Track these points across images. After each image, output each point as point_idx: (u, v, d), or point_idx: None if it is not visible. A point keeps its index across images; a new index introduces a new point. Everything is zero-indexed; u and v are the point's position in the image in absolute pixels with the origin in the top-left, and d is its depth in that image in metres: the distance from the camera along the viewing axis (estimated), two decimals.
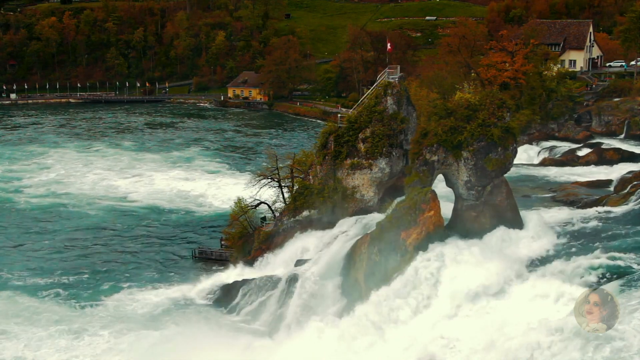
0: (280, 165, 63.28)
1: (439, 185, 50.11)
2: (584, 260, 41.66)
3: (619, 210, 51.13)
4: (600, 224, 48.57)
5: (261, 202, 63.36)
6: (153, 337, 50.56)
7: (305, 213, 55.44)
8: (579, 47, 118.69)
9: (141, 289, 61.08)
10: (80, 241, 76.01)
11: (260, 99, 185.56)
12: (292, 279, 51.54)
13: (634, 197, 52.56)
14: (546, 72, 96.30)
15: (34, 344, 50.47)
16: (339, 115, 62.18)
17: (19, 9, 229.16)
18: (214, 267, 63.82)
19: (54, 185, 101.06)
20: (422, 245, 45.35)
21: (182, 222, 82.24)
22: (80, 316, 55.32)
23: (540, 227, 49.35)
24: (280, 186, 62.86)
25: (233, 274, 59.06)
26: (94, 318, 54.80)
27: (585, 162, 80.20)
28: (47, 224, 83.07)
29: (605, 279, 38.89)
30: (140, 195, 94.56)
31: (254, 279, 55.40)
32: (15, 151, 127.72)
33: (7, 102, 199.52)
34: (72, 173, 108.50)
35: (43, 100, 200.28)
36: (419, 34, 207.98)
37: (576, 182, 67.90)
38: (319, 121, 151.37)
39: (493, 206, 48.38)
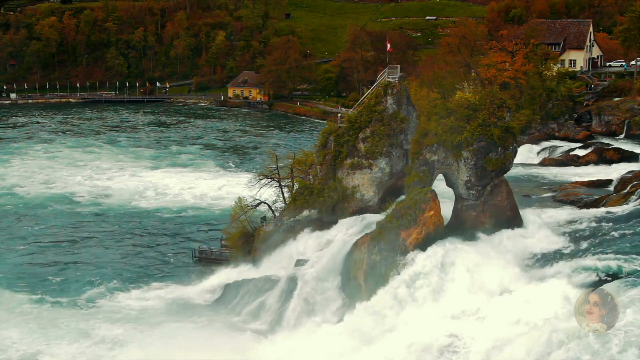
0: (280, 165, 63.27)
1: (440, 185, 50.11)
2: (584, 260, 41.65)
3: (619, 210, 51.09)
4: (600, 224, 48.53)
5: (261, 202, 63.33)
6: (153, 337, 50.57)
7: (305, 213, 55.39)
8: (579, 47, 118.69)
9: (141, 289, 61.11)
10: (81, 240, 76.06)
11: (260, 98, 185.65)
12: (292, 279, 51.52)
13: (634, 197, 52.53)
14: (546, 72, 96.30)
15: (31, 345, 50.45)
16: (339, 115, 62.12)
17: (19, 9, 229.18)
18: (214, 267, 63.81)
19: (53, 182, 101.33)
20: (422, 245, 45.37)
21: (182, 222, 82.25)
22: (78, 317, 55.28)
23: (540, 227, 49.36)
24: (280, 186, 62.83)
25: (233, 274, 59.03)
26: (93, 318, 54.76)
27: (585, 162, 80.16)
28: (44, 221, 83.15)
29: (605, 279, 38.86)
30: (140, 194, 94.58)
31: (254, 279, 55.38)
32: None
33: (7, 102, 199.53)
34: (70, 171, 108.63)
35: (43, 100, 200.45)
36: (419, 34, 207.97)
37: (576, 182, 67.86)
38: (319, 121, 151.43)
39: (493, 206, 48.37)
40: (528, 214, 51.00)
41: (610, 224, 47.96)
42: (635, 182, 58.02)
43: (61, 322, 54.15)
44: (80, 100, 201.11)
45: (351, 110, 58.49)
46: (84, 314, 56.28)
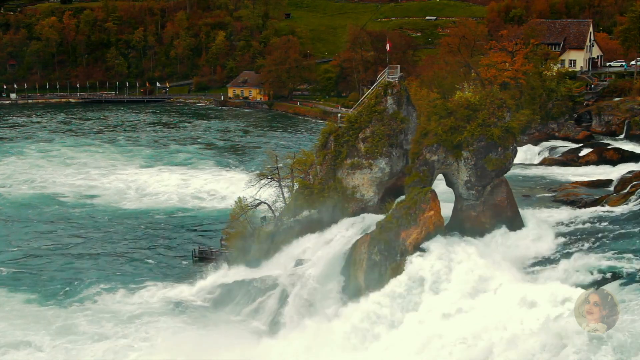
0: (280, 165, 63.26)
1: (440, 186, 50.13)
2: (584, 260, 41.69)
3: (619, 210, 51.13)
4: (600, 224, 48.57)
5: (261, 202, 63.32)
6: (153, 337, 50.58)
7: (305, 213, 55.36)
8: (579, 47, 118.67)
9: (141, 289, 61.07)
10: (81, 240, 76.03)
11: (260, 98, 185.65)
12: (292, 279, 51.54)
13: (634, 197, 52.56)
14: (546, 72, 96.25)
15: (15, 337, 50.59)
16: (339, 115, 62.08)
17: (19, 9, 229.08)
18: (214, 267, 63.82)
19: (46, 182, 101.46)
20: (421, 245, 45.38)
21: (182, 222, 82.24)
22: (77, 317, 55.19)
23: (540, 227, 49.41)
24: (280, 186, 62.82)
25: (233, 274, 59.05)
26: (93, 319, 54.72)
27: (585, 162, 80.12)
28: (36, 220, 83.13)
29: (605, 279, 38.88)
30: (139, 194, 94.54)
31: (253, 279, 55.39)
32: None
33: (7, 102, 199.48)
34: (66, 171, 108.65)
35: (43, 100, 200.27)
36: (419, 34, 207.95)
37: (576, 182, 67.84)
38: (319, 121, 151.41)
39: (493, 206, 48.41)
40: (528, 214, 51.02)
41: (610, 224, 48.00)
42: (635, 182, 58.01)
43: (49, 319, 54.32)
44: (80, 101, 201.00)
45: (351, 110, 58.44)
46: (77, 312, 56.14)
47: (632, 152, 79.56)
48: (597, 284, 38.19)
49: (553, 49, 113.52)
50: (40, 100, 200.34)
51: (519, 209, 50.49)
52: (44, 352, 49.05)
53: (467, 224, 48.18)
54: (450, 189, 49.87)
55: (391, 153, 52.97)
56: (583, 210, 54.03)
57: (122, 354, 48.43)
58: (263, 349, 47.28)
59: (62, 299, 59.20)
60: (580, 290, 36.84)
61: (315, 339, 45.70)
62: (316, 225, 54.65)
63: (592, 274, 39.92)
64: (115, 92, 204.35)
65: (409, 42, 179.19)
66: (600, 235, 46.08)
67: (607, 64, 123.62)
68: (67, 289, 61.51)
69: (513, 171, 55.03)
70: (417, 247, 45.42)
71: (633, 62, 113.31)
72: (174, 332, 51.27)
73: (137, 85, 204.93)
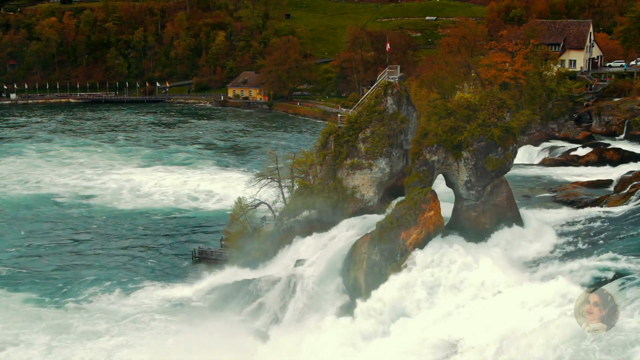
0: (280, 165, 63.28)
1: (440, 186, 50.13)
2: (584, 261, 41.67)
3: (619, 210, 51.13)
4: (600, 224, 48.57)
5: (261, 202, 63.33)
6: (153, 337, 50.56)
7: (305, 213, 55.39)
8: (579, 47, 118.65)
9: (139, 289, 61.07)
10: (79, 240, 75.97)
11: (260, 99, 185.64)
12: (292, 279, 51.52)
13: (634, 197, 52.59)
14: (546, 72, 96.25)
15: (10, 335, 50.67)
16: (339, 115, 62.09)
17: (19, 9, 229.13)
18: (214, 267, 63.80)
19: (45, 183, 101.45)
20: (422, 245, 45.37)
21: (181, 223, 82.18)
22: (73, 317, 55.18)
23: (540, 227, 49.41)
24: (280, 186, 62.83)
25: (233, 274, 59.05)
26: (92, 319, 54.73)
27: (585, 162, 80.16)
28: (33, 221, 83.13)
29: (605, 279, 38.86)
30: (136, 195, 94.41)
31: (254, 279, 55.39)
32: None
33: (7, 102, 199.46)
34: (63, 171, 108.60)
35: (43, 100, 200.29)
36: (419, 34, 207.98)
37: (576, 182, 67.88)
38: (319, 121, 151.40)
39: (493, 206, 48.40)
40: (528, 214, 51.01)
41: (611, 224, 47.99)
42: (635, 182, 58.05)
43: (45, 319, 54.39)
44: (80, 101, 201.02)
45: (351, 110, 58.45)
46: (73, 312, 56.21)
47: (632, 152, 79.59)
48: (597, 284, 38.17)
49: (553, 49, 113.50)
50: (40, 101, 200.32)
51: (519, 209, 50.49)
52: (37, 350, 49.06)
53: (467, 225, 48.17)
54: (450, 189, 49.86)
55: (391, 153, 52.97)
56: (583, 210, 54.05)
57: (115, 352, 48.44)
58: (263, 349, 47.24)
59: (58, 299, 59.19)
60: (580, 290, 36.86)
61: (316, 339, 45.66)
62: (316, 226, 54.67)
63: (591, 274, 39.87)
64: (115, 92, 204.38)
65: (409, 42, 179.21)
66: (600, 235, 46.09)
67: (607, 64, 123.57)
68: (64, 289, 61.53)
69: (513, 171, 55.04)
70: (417, 247, 45.35)
71: (633, 62, 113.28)
72: (171, 332, 51.22)
73: (137, 85, 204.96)
